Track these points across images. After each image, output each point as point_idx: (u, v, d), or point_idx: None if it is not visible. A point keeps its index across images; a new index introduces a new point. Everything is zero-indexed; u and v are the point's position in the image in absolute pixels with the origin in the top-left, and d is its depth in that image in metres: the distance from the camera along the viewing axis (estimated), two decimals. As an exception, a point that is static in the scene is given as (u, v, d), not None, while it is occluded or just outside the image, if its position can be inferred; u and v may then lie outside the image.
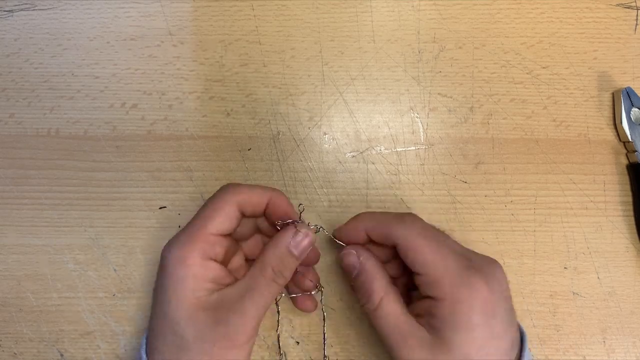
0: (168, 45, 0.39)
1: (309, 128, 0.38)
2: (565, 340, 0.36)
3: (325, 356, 0.35)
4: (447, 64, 0.39)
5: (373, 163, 0.38)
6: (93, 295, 0.36)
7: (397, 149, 0.38)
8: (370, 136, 0.38)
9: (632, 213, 0.38)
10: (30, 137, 0.38)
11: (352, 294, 0.36)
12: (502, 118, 0.39)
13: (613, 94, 0.39)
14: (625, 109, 0.38)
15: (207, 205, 0.30)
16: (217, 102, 0.38)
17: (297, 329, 0.36)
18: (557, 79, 0.39)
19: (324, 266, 0.36)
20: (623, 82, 0.40)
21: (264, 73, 0.39)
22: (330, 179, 0.38)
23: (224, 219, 0.29)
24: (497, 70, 0.39)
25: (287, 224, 0.31)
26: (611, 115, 0.39)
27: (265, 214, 0.32)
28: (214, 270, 0.29)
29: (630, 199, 0.38)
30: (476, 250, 0.30)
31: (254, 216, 0.32)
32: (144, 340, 0.29)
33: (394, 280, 0.31)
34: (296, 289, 0.34)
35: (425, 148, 0.38)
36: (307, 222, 0.32)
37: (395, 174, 0.38)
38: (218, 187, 0.37)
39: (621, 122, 0.38)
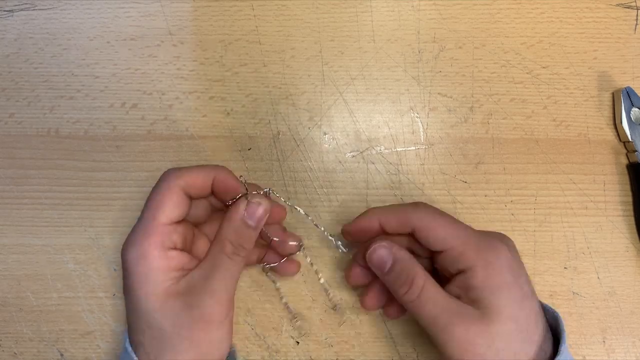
0: (168, 45, 0.39)
1: (309, 128, 0.38)
2: (565, 340, 0.36)
3: (333, 303, 0.35)
4: (447, 64, 0.39)
5: (373, 163, 0.38)
6: (93, 295, 0.36)
7: (397, 149, 0.38)
8: (370, 136, 0.38)
9: (632, 213, 0.38)
10: (30, 137, 0.38)
11: (352, 294, 0.36)
12: (502, 118, 0.39)
13: (613, 93, 0.39)
14: (625, 109, 0.38)
15: (152, 196, 0.29)
16: (217, 102, 0.38)
17: (297, 329, 0.36)
18: (557, 78, 0.39)
19: (324, 266, 0.36)
20: (623, 82, 0.40)
21: (264, 73, 0.39)
22: (330, 179, 0.38)
23: (172, 206, 0.29)
24: (497, 70, 0.39)
25: (238, 198, 0.30)
26: (611, 115, 0.39)
27: (213, 193, 0.31)
28: (176, 259, 0.29)
29: (630, 199, 0.38)
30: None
31: (203, 197, 0.31)
32: (126, 336, 0.30)
33: None
34: (278, 256, 0.34)
35: (425, 148, 0.38)
36: (258, 191, 0.32)
37: (395, 174, 0.38)
38: (218, 187, 0.37)
39: (621, 122, 0.38)
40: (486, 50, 0.40)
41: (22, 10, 0.39)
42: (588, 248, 0.37)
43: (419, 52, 0.39)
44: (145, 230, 0.28)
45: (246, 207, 0.30)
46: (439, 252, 0.29)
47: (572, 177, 0.38)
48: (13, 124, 0.38)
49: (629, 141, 0.38)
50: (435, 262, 0.31)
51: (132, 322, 0.28)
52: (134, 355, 0.28)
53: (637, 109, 0.38)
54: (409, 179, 0.38)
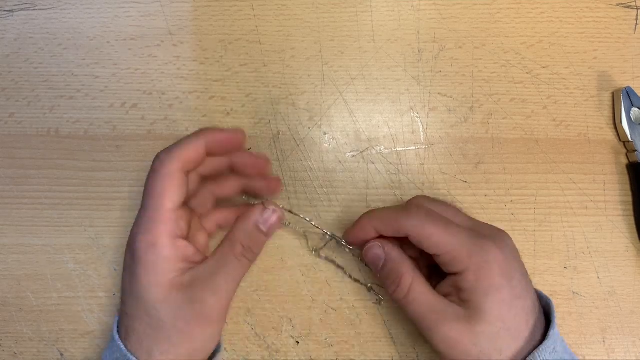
0: (168, 45, 0.39)
1: (309, 128, 0.38)
2: (565, 340, 0.36)
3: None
4: (447, 64, 0.39)
5: (373, 163, 0.38)
6: (93, 295, 0.36)
7: (397, 149, 0.38)
8: (370, 136, 0.38)
9: (632, 213, 0.38)
10: (30, 137, 0.38)
11: (352, 294, 0.36)
12: (502, 118, 0.39)
13: (613, 93, 0.39)
14: (625, 109, 0.38)
15: (152, 183, 0.29)
16: (217, 102, 0.38)
17: (297, 329, 0.36)
18: (557, 78, 0.39)
19: (324, 266, 0.36)
20: (623, 82, 0.40)
21: (264, 73, 0.39)
22: (330, 179, 0.38)
23: (175, 190, 0.29)
24: (497, 70, 0.39)
25: (255, 204, 0.32)
26: (611, 115, 0.39)
27: (208, 156, 0.31)
28: (184, 249, 0.29)
29: (630, 198, 0.38)
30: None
31: (198, 166, 0.31)
32: (116, 321, 0.30)
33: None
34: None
35: (425, 148, 0.38)
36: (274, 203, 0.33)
37: (395, 174, 0.38)
38: (218, 187, 0.37)
39: (621, 122, 0.38)
40: (486, 50, 0.40)
41: (22, 10, 0.39)
42: (588, 248, 0.37)
43: (419, 52, 0.39)
44: (154, 218, 0.28)
45: (261, 212, 0.31)
46: (434, 254, 0.30)
47: (572, 177, 0.38)
48: (13, 124, 0.38)
49: (629, 141, 0.38)
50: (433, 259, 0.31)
51: (129, 309, 0.29)
52: (122, 345, 0.28)
53: (637, 109, 0.38)
54: (409, 179, 0.38)
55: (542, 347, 0.28)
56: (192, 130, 0.38)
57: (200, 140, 0.30)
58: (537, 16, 0.40)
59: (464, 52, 0.39)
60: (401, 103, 0.39)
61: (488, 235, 0.30)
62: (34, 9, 0.39)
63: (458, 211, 0.32)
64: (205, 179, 0.33)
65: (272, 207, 0.31)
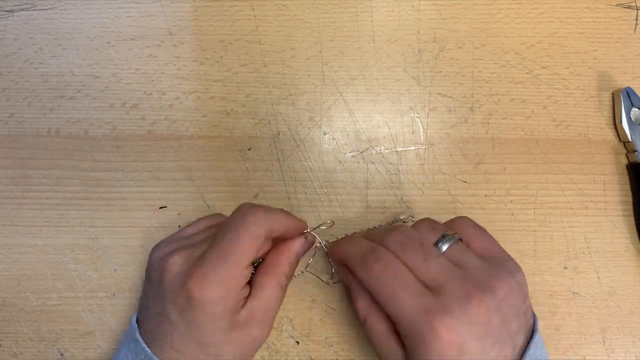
0: (168, 45, 0.39)
1: (309, 128, 0.38)
2: (565, 340, 0.36)
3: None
4: (447, 64, 0.39)
5: (373, 163, 0.38)
6: (93, 295, 0.36)
7: (397, 149, 0.38)
8: (370, 136, 0.38)
9: (632, 213, 0.38)
10: (30, 137, 0.38)
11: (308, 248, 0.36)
12: (502, 118, 0.39)
13: (613, 94, 0.39)
14: (625, 109, 0.38)
15: (237, 237, 0.29)
16: (217, 102, 0.38)
17: (297, 329, 0.36)
18: (557, 79, 0.39)
19: (323, 268, 0.36)
20: (623, 82, 0.40)
21: (264, 73, 0.39)
22: (330, 179, 0.38)
23: (255, 251, 0.29)
24: (497, 70, 0.39)
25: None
26: (611, 115, 0.39)
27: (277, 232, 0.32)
28: (245, 291, 0.30)
29: (630, 199, 0.38)
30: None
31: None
32: (141, 340, 0.29)
33: None
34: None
35: (425, 148, 0.38)
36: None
37: (395, 174, 0.38)
38: (218, 187, 0.37)
39: (621, 122, 0.38)
40: (486, 50, 0.40)
41: (22, 10, 0.39)
42: (588, 248, 0.37)
43: (419, 52, 0.39)
44: (233, 273, 0.28)
45: (302, 244, 0.33)
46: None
47: (572, 177, 0.38)
48: (13, 124, 0.38)
49: (629, 141, 0.38)
50: None
51: (182, 347, 0.28)
52: None
53: (637, 109, 0.38)
54: (409, 179, 0.38)
55: None
56: (191, 130, 0.38)
57: (290, 222, 0.32)
58: (537, 16, 0.40)
59: (464, 52, 0.39)
60: (401, 103, 0.39)
61: (445, 304, 0.26)
62: (34, 9, 0.39)
63: (430, 255, 0.28)
64: None
65: (310, 238, 0.33)
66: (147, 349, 0.28)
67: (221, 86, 0.39)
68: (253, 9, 0.40)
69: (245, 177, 0.37)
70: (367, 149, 0.38)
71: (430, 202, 0.37)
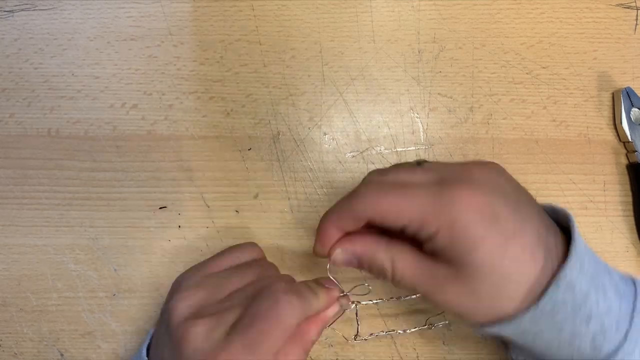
0: (168, 45, 0.39)
1: (309, 128, 0.38)
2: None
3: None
4: (447, 64, 0.39)
5: (373, 163, 0.38)
6: (93, 295, 0.36)
7: (397, 149, 0.38)
8: (370, 136, 0.38)
9: (632, 213, 0.38)
10: (30, 137, 0.38)
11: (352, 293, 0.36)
12: (502, 118, 0.39)
13: (613, 94, 0.39)
14: (625, 109, 0.38)
15: (268, 330, 0.26)
16: (217, 102, 0.38)
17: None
18: (557, 79, 0.39)
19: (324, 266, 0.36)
20: (623, 82, 0.40)
21: (264, 73, 0.39)
22: (330, 179, 0.38)
23: (287, 338, 0.27)
24: (497, 70, 0.39)
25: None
26: (611, 115, 0.39)
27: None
28: None
29: (630, 199, 0.38)
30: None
31: None
32: None
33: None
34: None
35: (425, 148, 0.38)
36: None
37: (395, 174, 0.38)
38: (218, 187, 0.37)
39: (621, 122, 0.38)
40: (486, 50, 0.40)
41: (22, 10, 0.39)
42: (588, 248, 0.37)
43: (419, 52, 0.39)
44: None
45: (335, 312, 0.30)
46: (401, 228, 0.26)
47: (572, 177, 0.38)
48: (13, 124, 0.38)
49: (629, 141, 0.38)
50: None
51: None
52: None
53: (637, 109, 0.38)
54: (409, 179, 0.38)
55: (562, 272, 0.24)
56: (191, 130, 0.38)
57: (319, 305, 0.29)
58: (537, 16, 0.40)
59: (464, 52, 0.39)
60: (401, 103, 0.39)
61: (456, 178, 0.25)
62: (34, 9, 0.39)
63: (419, 166, 0.28)
64: None
65: (344, 304, 0.31)
66: None
67: (221, 86, 0.39)
68: (253, 9, 0.40)
69: (245, 177, 0.37)
70: (367, 149, 0.38)
71: (430, 202, 0.37)
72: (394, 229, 0.26)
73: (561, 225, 0.28)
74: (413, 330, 0.35)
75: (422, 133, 0.38)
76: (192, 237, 0.36)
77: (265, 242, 0.36)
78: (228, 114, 0.38)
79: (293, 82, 0.39)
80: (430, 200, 0.25)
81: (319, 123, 0.38)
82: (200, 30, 0.39)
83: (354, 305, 0.32)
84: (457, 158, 0.38)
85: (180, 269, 0.34)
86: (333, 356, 0.35)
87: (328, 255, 0.29)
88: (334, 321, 0.32)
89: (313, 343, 0.29)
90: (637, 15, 0.41)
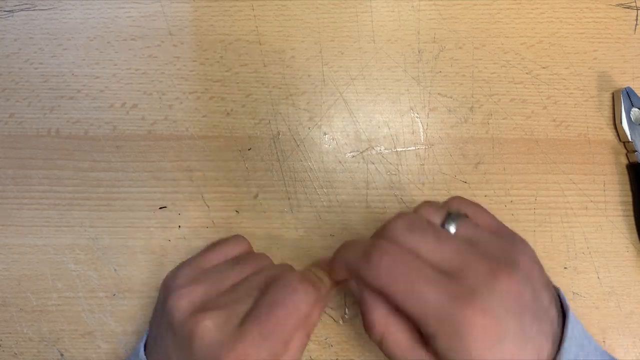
0: (168, 45, 0.39)
1: (309, 128, 0.38)
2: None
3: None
4: (447, 64, 0.39)
5: (373, 163, 0.38)
6: (93, 295, 0.36)
7: (397, 149, 0.38)
8: (370, 136, 0.38)
9: (632, 213, 0.38)
10: (30, 137, 0.38)
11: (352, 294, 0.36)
12: (502, 118, 0.39)
13: (613, 94, 0.39)
14: (625, 109, 0.38)
15: (285, 318, 0.26)
16: (217, 102, 0.38)
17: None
18: (557, 79, 0.39)
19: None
20: (623, 82, 0.40)
21: (264, 73, 0.39)
22: (330, 179, 0.38)
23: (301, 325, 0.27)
24: (497, 70, 0.39)
25: None
26: (611, 115, 0.39)
27: None
28: None
29: (630, 199, 0.38)
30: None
31: None
32: None
33: None
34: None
35: (425, 148, 0.38)
36: None
37: (395, 174, 0.38)
38: (218, 187, 0.37)
39: (621, 122, 0.38)
40: (486, 50, 0.40)
41: (22, 10, 0.39)
42: (588, 248, 0.37)
43: (419, 52, 0.39)
44: (272, 352, 0.26)
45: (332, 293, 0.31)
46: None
47: (572, 177, 0.38)
48: (13, 124, 0.38)
49: (629, 141, 0.38)
50: None
51: None
52: None
53: (637, 109, 0.38)
54: (409, 179, 0.38)
55: None
56: (191, 130, 0.38)
57: (330, 288, 0.30)
58: (537, 16, 0.40)
59: (464, 52, 0.39)
60: (401, 103, 0.39)
61: (475, 290, 0.23)
62: (34, 9, 0.39)
63: (449, 223, 0.26)
64: None
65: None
66: None
67: (221, 86, 0.39)
68: (253, 9, 0.40)
69: (245, 177, 0.37)
70: (367, 149, 0.38)
71: (430, 202, 0.37)
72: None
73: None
74: None
75: (422, 133, 0.38)
76: (192, 237, 0.37)
77: (265, 242, 0.36)
78: (228, 114, 0.38)
79: (293, 82, 0.39)
80: (440, 307, 0.23)
81: (319, 123, 0.38)
82: (200, 30, 0.39)
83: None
84: (457, 158, 0.38)
85: (180, 269, 0.34)
86: (333, 356, 0.35)
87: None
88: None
89: (314, 326, 0.29)
90: (637, 15, 0.41)
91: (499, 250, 0.25)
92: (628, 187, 0.38)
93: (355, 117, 0.38)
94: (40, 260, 0.36)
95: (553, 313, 0.25)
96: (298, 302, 0.26)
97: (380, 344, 0.26)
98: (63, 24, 0.39)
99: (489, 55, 0.39)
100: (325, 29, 0.40)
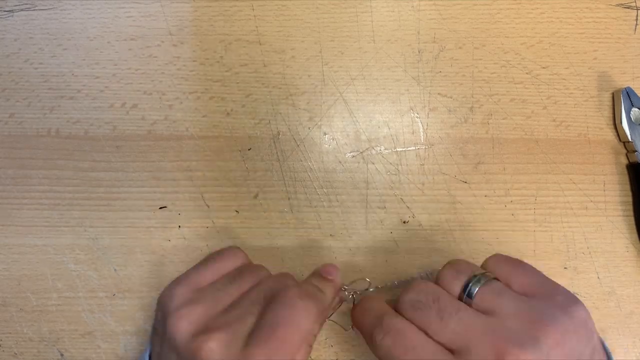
0: (168, 45, 0.39)
1: (309, 128, 0.38)
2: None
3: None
4: (447, 64, 0.39)
5: (373, 163, 0.38)
6: (93, 295, 0.36)
7: (397, 149, 0.38)
8: (370, 136, 0.38)
9: (632, 213, 0.38)
10: (30, 137, 0.38)
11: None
12: (502, 118, 0.39)
13: (613, 94, 0.39)
14: (625, 109, 0.38)
15: (287, 336, 0.25)
16: (217, 102, 0.38)
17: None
18: (557, 79, 0.39)
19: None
20: (623, 82, 0.40)
21: (264, 73, 0.39)
22: (330, 179, 0.38)
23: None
24: (497, 70, 0.39)
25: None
26: (611, 115, 0.39)
27: None
28: None
29: (630, 199, 0.38)
30: (477, 250, 0.29)
31: None
32: None
33: None
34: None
35: (425, 148, 0.38)
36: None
37: (395, 174, 0.38)
38: (218, 187, 0.37)
39: (621, 122, 0.38)
40: (486, 50, 0.40)
41: (22, 10, 0.39)
42: (588, 248, 0.37)
43: (419, 52, 0.39)
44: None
45: (336, 306, 0.31)
46: None
47: (572, 177, 0.38)
48: (13, 124, 0.38)
49: (629, 141, 0.38)
50: None
51: None
52: None
53: (637, 109, 0.38)
54: (409, 179, 0.38)
55: None
56: (191, 130, 0.38)
57: (330, 303, 0.30)
58: (537, 16, 0.40)
59: (464, 52, 0.39)
60: (401, 103, 0.39)
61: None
62: (34, 9, 0.39)
63: (444, 316, 0.25)
64: None
65: (343, 297, 0.32)
66: None
67: (221, 86, 0.39)
68: (253, 9, 0.40)
69: (245, 177, 0.37)
70: (367, 149, 0.38)
71: (430, 202, 0.37)
72: None
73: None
74: None
75: (422, 133, 0.38)
76: (192, 237, 0.37)
77: (265, 242, 0.36)
78: (228, 114, 0.38)
79: (293, 82, 0.39)
80: None
81: (319, 123, 0.38)
82: (200, 30, 0.39)
83: (351, 296, 0.33)
84: (457, 158, 0.38)
85: (181, 268, 0.35)
86: (333, 356, 0.35)
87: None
88: (333, 313, 0.32)
89: (315, 337, 0.29)
90: (637, 15, 0.41)
91: (519, 323, 0.23)
92: (628, 187, 0.38)
93: (355, 117, 0.38)
94: (40, 260, 0.36)
95: None
96: (300, 319, 0.26)
97: None
98: (63, 24, 0.39)
99: (489, 55, 0.39)
100: (325, 29, 0.40)
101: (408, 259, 0.37)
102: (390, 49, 0.39)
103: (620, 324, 0.36)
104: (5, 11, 0.39)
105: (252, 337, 0.25)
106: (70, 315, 0.35)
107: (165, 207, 0.37)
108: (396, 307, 0.27)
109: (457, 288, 0.26)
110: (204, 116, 0.38)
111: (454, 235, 0.37)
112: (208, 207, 0.37)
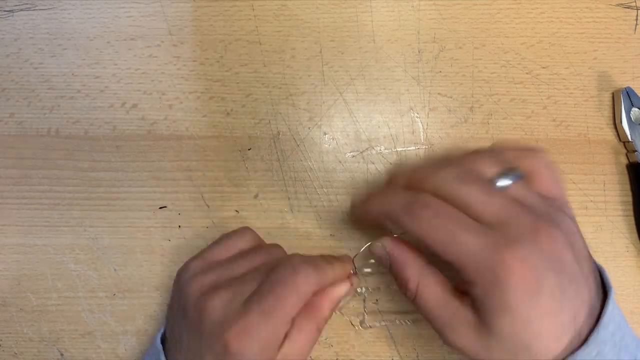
0: (168, 45, 0.39)
1: (309, 128, 0.38)
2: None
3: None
4: (447, 64, 0.39)
5: (373, 163, 0.38)
6: (93, 295, 0.36)
7: (397, 149, 0.38)
8: (370, 136, 0.38)
9: (632, 213, 0.38)
10: (30, 137, 0.38)
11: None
12: (502, 118, 0.39)
13: (613, 94, 0.39)
14: (625, 109, 0.38)
15: (284, 295, 0.27)
16: (217, 102, 0.38)
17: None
18: (557, 79, 0.39)
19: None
20: (623, 82, 0.40)
21: (264, 73, 0.39)
22: (330, 179, 0.38)
23: (301, 306, 0.28)
24: (497, 70, 0.39)
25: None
26: (611, 115, 0.39)
27: None
28: (282, 337, 0.28)
29: (630, 199, 0.38)
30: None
31: None
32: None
33: None
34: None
35: (425, 148, 0.38)
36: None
37: (395, 174, 0.38)
38: (218, 187, 0.37)
39: (621, 122, 0.38)
40: (486, 50, 0.40)
41: (22, 10, 0.39)
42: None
43: (419, 52, 0.39)
44: (272, 330, 0.27)
45: (347, 289, 0.31)
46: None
47: (572, 177, 0.38)
48: (13, 124, 0.38)
49: (629, 141, 0.38)
50: None
51: None
52: None
53: (637, 109, 0.38)
54: (409, 179, 0.38)
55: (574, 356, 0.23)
56: (191, 130, 0.38)
57: (334, 276, 0.30)
58: (537, 16, 0.40)
59: (464, 52, 0.39)
60: (401, 103, 0.39)
61: (512, 238, 0.24)
62: (34, 9, 0.39)
63: (489, 191, 0.25)
64: None
65: (354, 282, 0.32)
66: None
67: (221, 86, 0.39)
68: (253, 9, 0.40)
69: (245, 177, 0.37)
70: (367, 149, 0.38)
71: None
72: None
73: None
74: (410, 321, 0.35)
75: (422, 133, 0.38)
76: (192, 237, 0.37)
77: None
78: (228, 114, 0.38)
79: (293, 82, 0.39)
80: (480, 254, 0.24)
81: (319, 123, 0.38)
82: (200, 30, 0.39)
83: (364, 289, 0.33)
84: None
85: (180, 269, 0.34)
86: (333, 356, 0.35)
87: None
88: (343, 305, 0.33)
89: (325, 321, 0.30)
90: (637, 15, 0.41)
91: (545, 212, 0.25)
92: (628, 187, 0.38)
93: (355, 117, 0.38)
94: (40, 260, 0.36)
95: (592, 283, 0.26)
96: (298, 281, 0.27)
97: (414, 299, 0.27)
98: (63, 24, 0.39)
99: (489, 55, 0.39)
100: (325, 29, 0.40)
101: (408, 259, 0.36)
102: (390, 49, 0.39)
103: (620, 324, 0.36)
104: (5, 11, 0.39)
105: (251, 296, 0.27)
106: (70, 315, 0.35)
107: (165, 207, 0.37)
108: (426, 186, 0.27)
109: (489, 175, 0.26)
110: (204, 116, 0.38)
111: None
112: (208, 207, 0.37)
